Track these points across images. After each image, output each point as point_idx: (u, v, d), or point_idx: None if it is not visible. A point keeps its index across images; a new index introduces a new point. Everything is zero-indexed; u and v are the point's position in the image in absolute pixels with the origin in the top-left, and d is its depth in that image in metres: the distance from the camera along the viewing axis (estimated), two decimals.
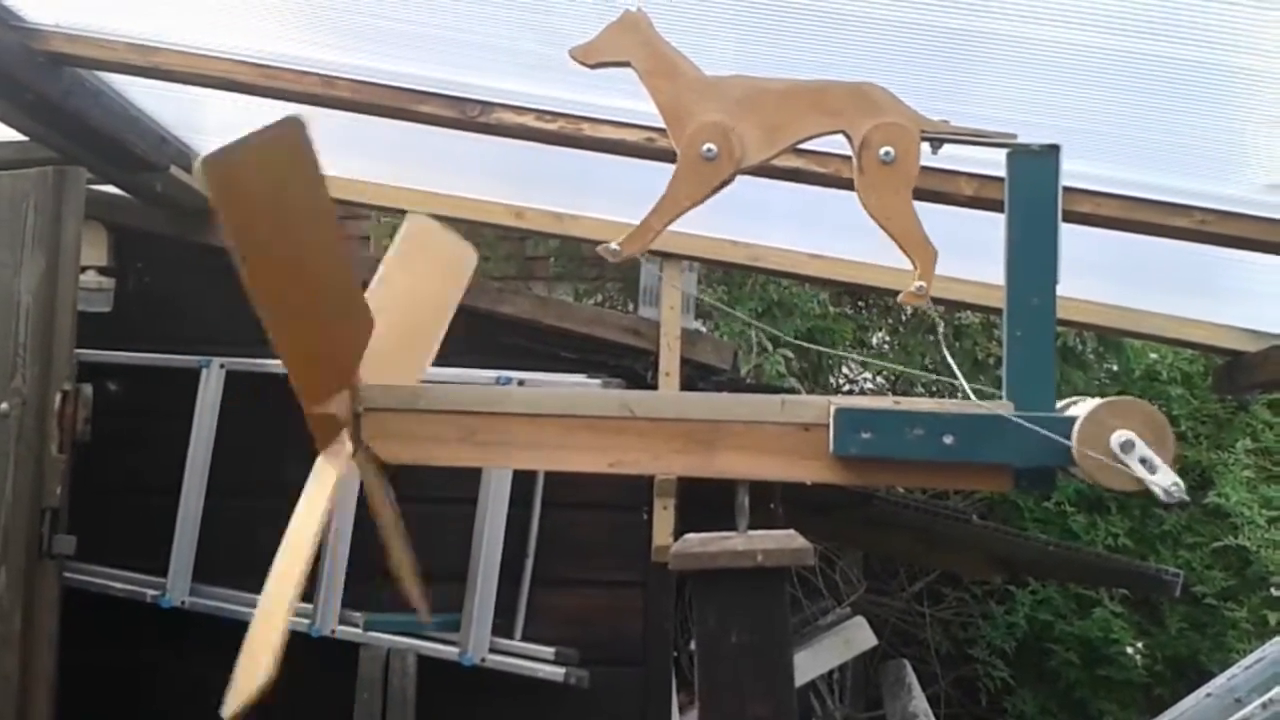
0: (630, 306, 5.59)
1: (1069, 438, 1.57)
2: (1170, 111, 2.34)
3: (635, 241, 1.75)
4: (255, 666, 1.49)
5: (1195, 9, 1.99)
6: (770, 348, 5.53)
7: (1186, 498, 1.51)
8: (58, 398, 3.21)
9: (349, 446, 1.70)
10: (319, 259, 1.56)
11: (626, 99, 2.54)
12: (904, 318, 6.52)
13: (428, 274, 2.02)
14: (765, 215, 3.39)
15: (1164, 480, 1.52)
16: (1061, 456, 1.59)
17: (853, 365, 6.47)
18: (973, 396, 1.69)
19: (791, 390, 5.34)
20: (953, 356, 6.23)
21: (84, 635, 3.36)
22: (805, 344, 4.64)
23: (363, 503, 3.41)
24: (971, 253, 3.36)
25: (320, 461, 1.71)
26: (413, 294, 1.97)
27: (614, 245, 1.76)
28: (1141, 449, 1.52)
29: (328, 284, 1.59)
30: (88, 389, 3.33)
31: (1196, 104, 2.30)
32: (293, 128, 1.42)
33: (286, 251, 1.51)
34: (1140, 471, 1.52)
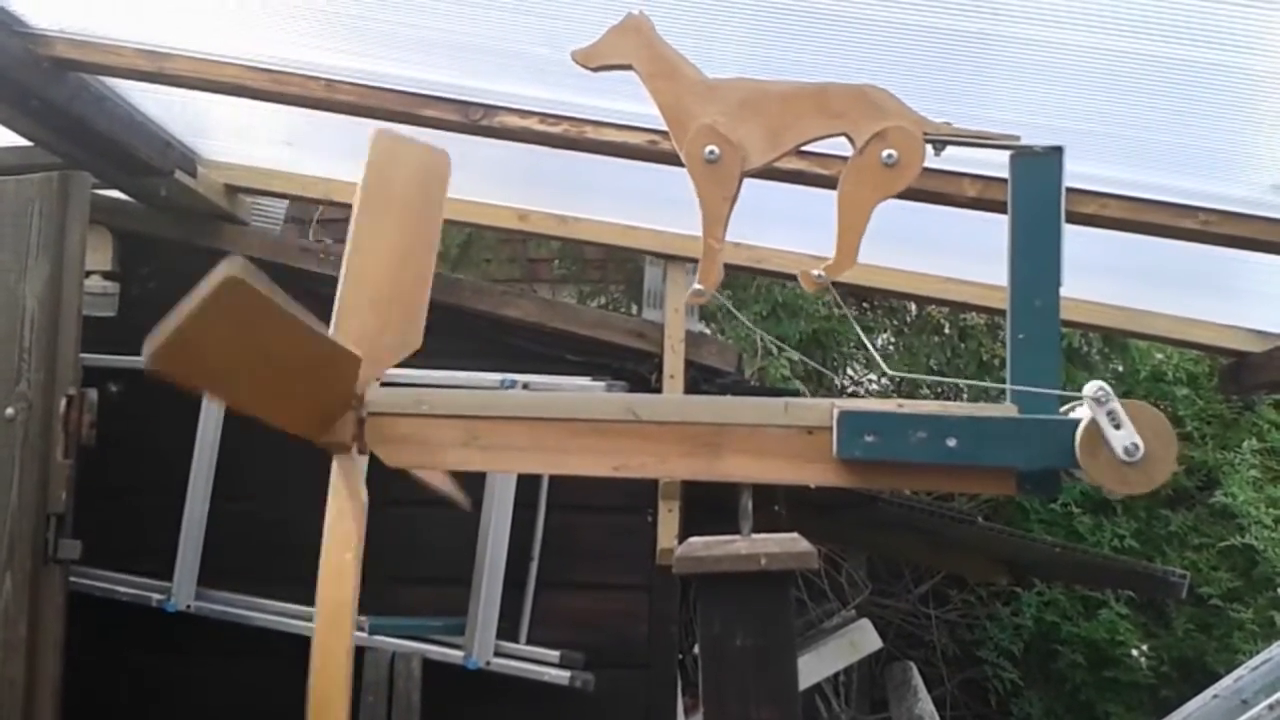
0: (633, 309, 5.59)
1: (1073, 439, 1.56)
2: (1174, 113, 2.34)
3: (709, 269, 1.75)
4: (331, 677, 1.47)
5: (1199, 10, 1.98)
6: (775, 351, 5.53)
7: (1137, 459, 1.51)
8: (63, 402, 3.21)
9: (360, 458, 1.70)
10: (294, 360, 1.48)
11: (629, 102, 2.55)
12: (909, 320, 6.52)
13: (405, 203, 1.91)
14: (767, 217, 3.39)
15: (1124, 440, 1.52)
16: (1066, 459, 1.59)
17: (857, 367, 6.47)
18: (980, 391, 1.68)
19: (796, 393, 5.33)
20: (958, 358, 6.24)
21: (90, 640, 3.36)
22: (805, 359, 4.63)
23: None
24: (975, 254, 3.37)
25: (336, 470, 1.70)
26: (396, 236, 1.88)
27: (696, 286, 1.75)
28: (1114, 404, 1.52)
29: (308, 369, 1.55)
30: (93, 393, 3.33)
31: (1201, 105, 2.30)
32: (229, 284, 1.28)
33: (260, 374, 1.46)
34: (1105, 426, 1.52)
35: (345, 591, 1.59)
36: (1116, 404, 1.53)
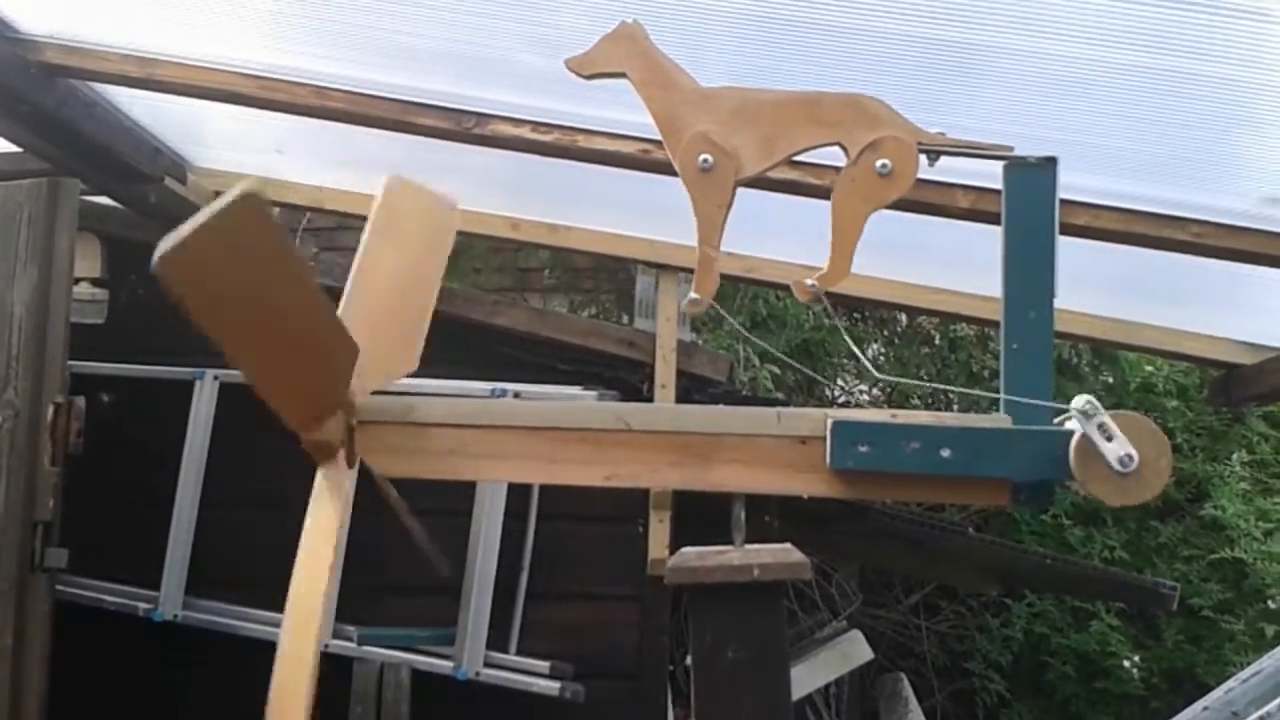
0: (623, 318, 5.59)
1: (1067, 451, 1.56)
2: (1167, 124, 2.34)
3: (704, 279, 1.75)
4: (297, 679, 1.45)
5: (1191, 22, 1.99)
6: (758, 363, 5.53)
7: (1132, 471, 1.50)
8: (50, 410, 3.20)
9: (345, 464, 1.68)
10: (295, 317, 1.50)
11: (621, 111, 2.54)
12: (899, 330, 6.53)
13: (412, 241, 1.94)
14: (760, 227, 3.39)
15: (1118, 451, 1.51)
16: (1060, 470, 1.58)
17: (848, 377, 6.47)
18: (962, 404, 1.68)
19: (783, 403, 5.33)
20: (948, 369, 6.25)
21: (76, 649, 3.34)
22: (793, 362, 4.63)
23: (356, 517, 3.40)
24: (965, 265, 3.37)
25: (321, 481, 1.68)
26: (400, 266, 1.90)
27: (693, 295, 1.75)
28: (1102, 416, 1.52)
29: (308, 336, 1.55)
30: (80, 401, 3.31)
31: (1193, 117, 2.30)
32: (246, 199, 1.32)
33: (260, 320, 1.46)
34: (1097, 439, 1.51)
35: (315, 601, 1.57)
36: (1105, 416, 1.52)
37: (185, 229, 1.27)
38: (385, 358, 1.78)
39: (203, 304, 1.41)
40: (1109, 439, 1.51)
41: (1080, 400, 1.53)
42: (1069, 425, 1.62)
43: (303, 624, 1.52)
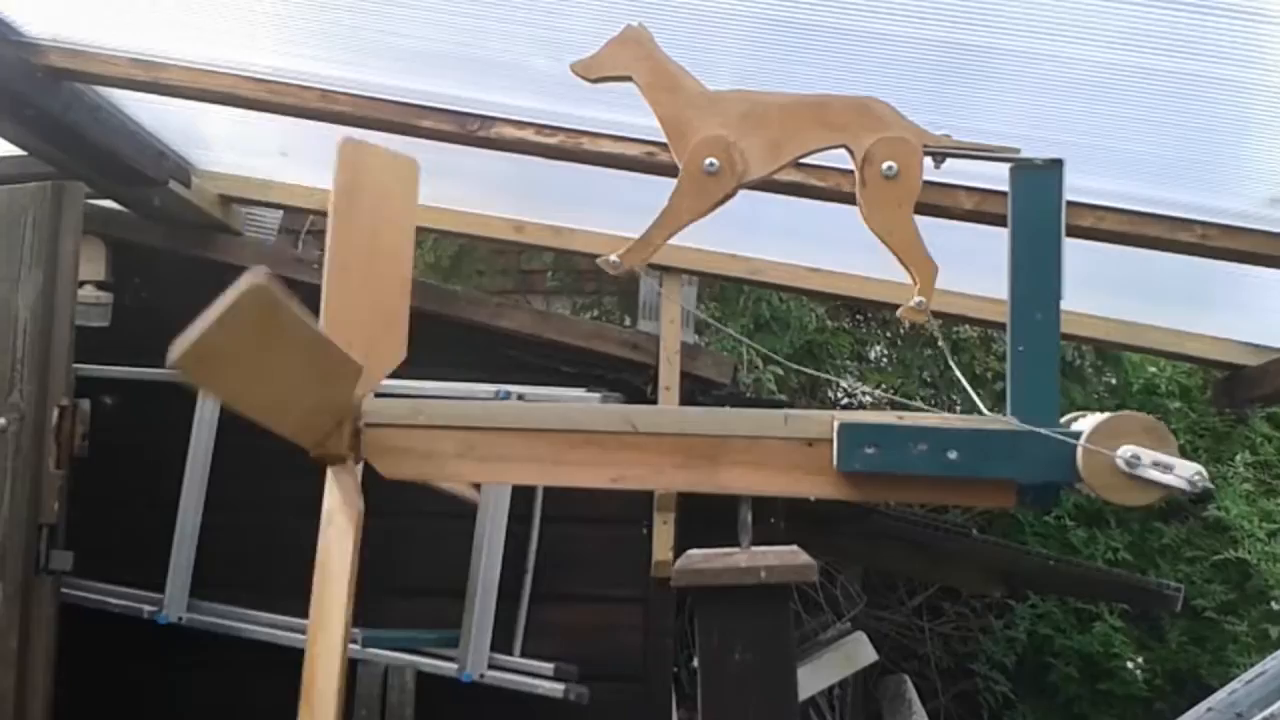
0: (626, 320, 5.59)
1: (1074, 453, 1.56)
2: (1172, 126, 2.34)
3: (636, 254, 1.75)
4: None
5: (1196, 24, 1.99)
6: (761, 364, 5.53)
7: (1211, 485, 1.51)
8: (55, 413, 3.20)
9: (355, 468, 1.69)
10: (303, 368, 1.52)
11: (626, 113, 2.54)
12: (902, 331, 6.52)
13: (378, 201, 1.93)
14: (765, 229, 3.39)
15: (1185, 473, 1.52)
16: (1066, 472, 1.58)
17: (851, 379, 6.47)
18: (984, 410, 1.68)
19: (788, 405, 5.33)
20: (951, 371, 6.24)
21: (81, 651, 3.34)
22: (792, 365, 4.62)
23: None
24: (968, 266, 3.37)
25: (331, 482, 1.69)
26: (371, 228, 1.89)
27: (613, 257, 1.75)
28: (1149, 455, 1.52)
29: (315, 376, 1.56)
30: (85, 404, 3.31)
31: (1199, 119, 2.30)
32: (256, 291, 1.35)
33: (272, 383, 1.48)
34: (1157, 476, 1.51)
35: (339, 602, 1.58)
36: (1152, 454, 1.53)
37: (199, 325, 1.33)
38: (378, 350, 1.78)
39: (220, 387, 1.44)
40: (1169, 470, 1.52)
41: (1125, 452, 1.53)
42: (1077, 425, 1.62)
43: (330, 621, 1.54)
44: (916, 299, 1.72)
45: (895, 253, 1.71)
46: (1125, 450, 1.53)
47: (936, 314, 4.21)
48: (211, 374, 1.42)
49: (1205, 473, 1.51)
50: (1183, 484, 1.52)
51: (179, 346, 1.33)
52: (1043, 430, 1.60)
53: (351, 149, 1.89)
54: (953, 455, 1.59)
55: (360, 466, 1.74)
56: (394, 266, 1.91)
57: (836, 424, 1.62)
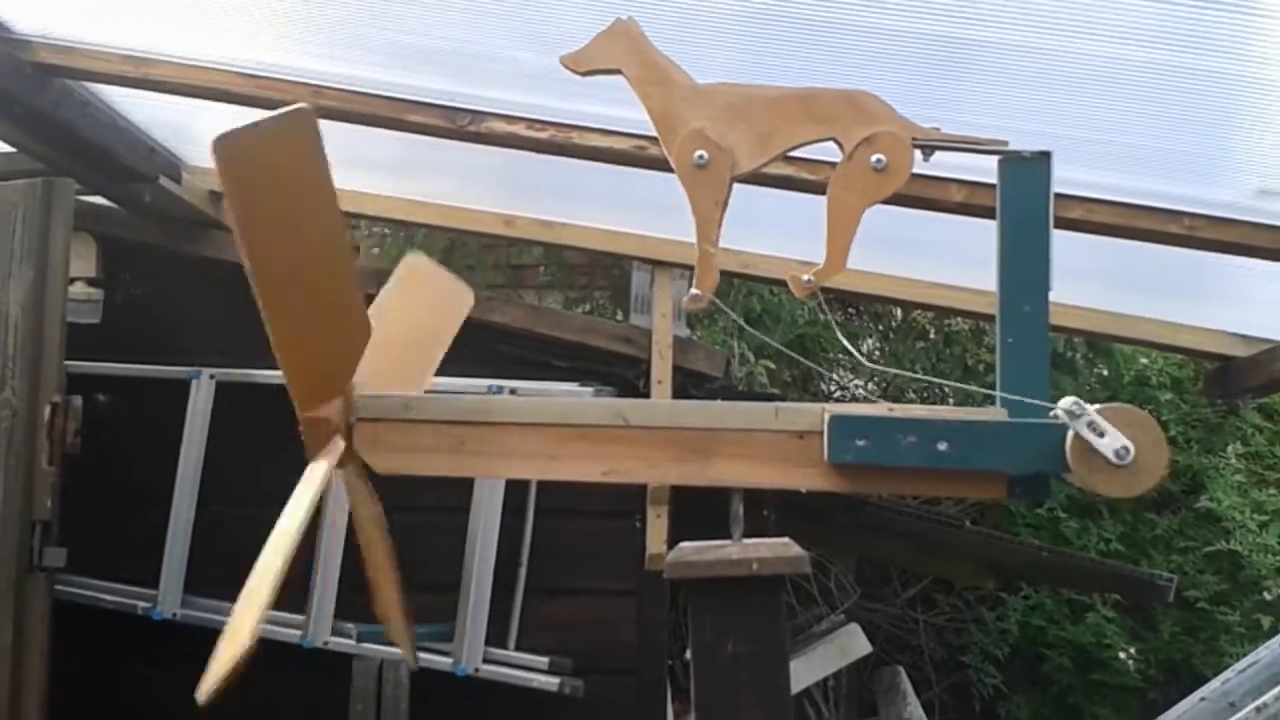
0: (618, 314, 5.59)
1: (1063, 444, 1.57)
2: (1160, 117, 2.35)
3: (705, 275, 1.75)
4: (234, 642, 1.48)
5: (1184, 15, 1.99)
6: (753, 358, 5.53)
7: (1128, 461, 1.52)
8: (47, 410, 3.20)
9: (339, 450, 1.69)
10: (321, 252, 1.58)
11: (616, 107, 2.54)
12: (894, 325, 6.53)
13: (423, 310, 2.03)
14: (756, 223, 3.40)
15: (1113, 444, 1.52)
16: (1056, 463, 1.59)
17: (844, 372, 6.47)
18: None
19: (780, 399, 5.34)
20: (943, 363, 6.26)
21: (75, 648, 3.34)
22: (793, 353, 4.63)
23: (351, 514, 3.41)
24: (959, 259, 3.38)
25: (311, 467, 1.69)
26: (408, 328, 1.98)
27: (694, 291, 1.75)
28: (1089, 414, 1.53)
29: (328, 280, 1.60)
30: (77, 401, 3.31)
31: (1187, 110, 2.31)
32: (302, 116, 1.47)
33: (290, 239, 1.53)
34: (1088, 435, 1.52)
35: (268, 579, 1.59)
36: (1092, 413, 1.53)
37: (243, 124, 1.42)
38: (393, 378, 1.81)
39: (243, 196, 1.49)
40: (1101, 435, 1.52)
41: (1066, 401, 1.54)
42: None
43: (251, 597, 1.56)
44: (809, 277, 1.73)
45: (831, 233, 1.72)
46: (1065, 401, 1.54)
47: (930, 307, 4.24)
48: (240, 175, 1.47)
49: (1132, 448, 1.52)
50: (1109, 453, 1.52)
51: (219, 136, 1.40)
52: (1031, 420, 1.60)
53: (416, 263, 2.11)
54: (943, 446, 1.59)
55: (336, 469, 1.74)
56: (423, 353, 2.01)
57: (827, 416, 1.62)
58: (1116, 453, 1.52)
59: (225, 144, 1.41)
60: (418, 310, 2.01)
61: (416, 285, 2.04)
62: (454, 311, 2.09)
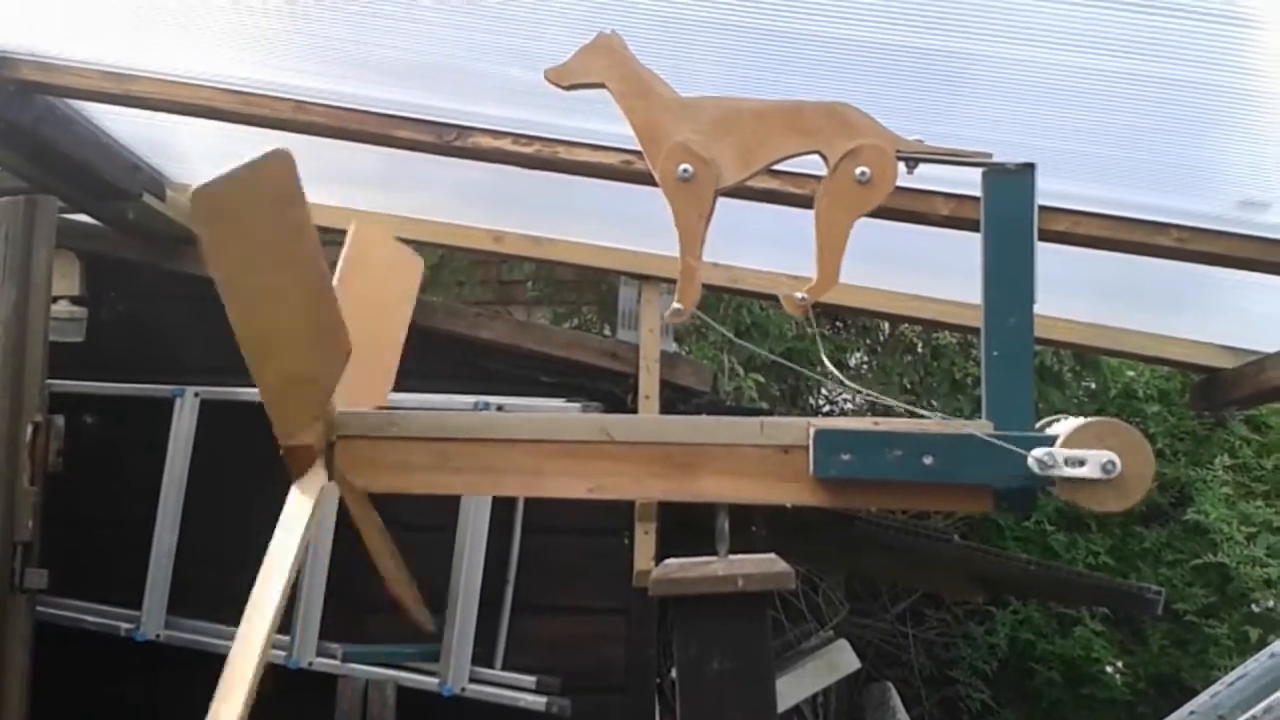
0: (606, 330, 5.58)
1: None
2: (1146, 130, 2.35)
3: (687, 289, 1.76)
4: (233, 701, 1.47)
5: (1169, 28, 1.99)
6: (742, 372, 5.52)
7: (1115, 475, 1.52)
8: (29, 429, 3.17)
9: (324, 476, 1.68)
10: (300, 288, 1.56)
11: (603, 122, 2.54)
12: (882, 338, 6.54)
13: (380, 283, 2.01)
14: (744, 237, 3.39)
15: (1098, 461, 1.53)
16: (1039, 476, 1.58)
17: (831, 386, 6.47)
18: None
19: (767, 413, 5.33)
20: (930, 376, 6.26)
21: (57, 670, 3.30)
22: (783, 361, 4.63)
23: (339, 534, 3.38)
24: (946, 272, 3.38)
25: (295, 491, 1.68)
26: (370, 304, 1.96)
27: (676, 305, 1.75)
28: (1062, 454, 1.53)
29: (307, 313, 1.59)
30: (60, 420, 3.28)
31: (1173, 122, 2.31)
32: (279, 160, 1.45)
33: (269, 280, 1.52)
34: (1072, 473, 1.53)
35: (272, 601, 1.58)
36: (1061, 454, 1.54)
37: (222, 174, 1.42)
38: (358, 376, 1.79)
39: (221, 244, 1.48)
40: (1081, 464, 1.53)
41: (1036, 456, 1.55)
42: (1054, 429, 1.62)
43: (256, 622, 1.54)
44: (802, 294, 1.73)
45: (821, 250, 1.72)
46: (1039, 451, 1.55)
47: (917, 320, 4.24)
48: (221, 229, 1.47)
49: (1117, 460, 1.52)
50: (1097, 473, 1.52)
51: (198, 189, 1.41)
52: (1016, 433, 1.59)
53: (364, 233, 2.04)
54: (928, 460, 1.59)
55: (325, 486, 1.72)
56: (388, 334, 1.98)
57: (812, 431, 1.62)
58: (1104, 467, 1.52)
59: (203, 194, 1.42)
60: (375, 286, 2.00)
61: (368, 258, 2.02)
62: (409, 281, 2.08)
